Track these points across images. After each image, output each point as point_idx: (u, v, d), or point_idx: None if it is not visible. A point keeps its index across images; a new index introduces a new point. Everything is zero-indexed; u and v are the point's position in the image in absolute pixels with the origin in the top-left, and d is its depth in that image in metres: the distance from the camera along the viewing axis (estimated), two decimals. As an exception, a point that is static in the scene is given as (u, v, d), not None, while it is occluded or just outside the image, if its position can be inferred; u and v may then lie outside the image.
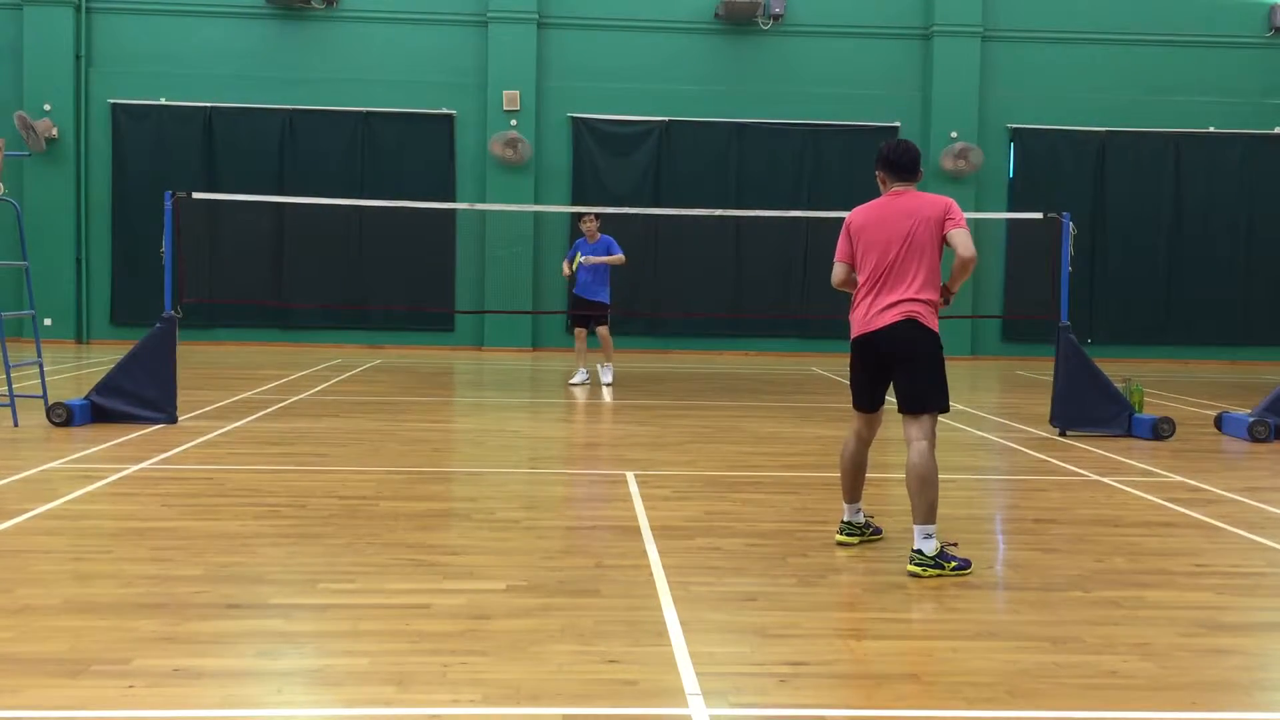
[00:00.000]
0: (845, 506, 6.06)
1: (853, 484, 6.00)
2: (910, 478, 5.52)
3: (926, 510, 5.46)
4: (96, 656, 4.10)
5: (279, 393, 12.65)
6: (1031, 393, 14.47)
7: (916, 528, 5.48)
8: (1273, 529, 6.68)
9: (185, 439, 9.11)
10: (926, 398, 5.59)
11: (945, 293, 5.76)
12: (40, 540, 5.86)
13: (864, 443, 5.97)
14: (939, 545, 5.47)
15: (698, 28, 20.35)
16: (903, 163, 5.77)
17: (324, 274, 19.93)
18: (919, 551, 5.43)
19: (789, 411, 11.97)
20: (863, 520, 6.08)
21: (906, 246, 5.59)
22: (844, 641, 4.48)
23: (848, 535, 6.00)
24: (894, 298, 5.60)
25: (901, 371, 5.67)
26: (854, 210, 5.99)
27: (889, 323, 5.60)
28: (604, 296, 13.81)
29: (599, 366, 14.18)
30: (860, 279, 5.78)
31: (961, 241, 5.53)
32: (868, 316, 5.68)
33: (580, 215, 14.06)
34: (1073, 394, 10.30)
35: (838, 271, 5.92)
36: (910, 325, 5.58)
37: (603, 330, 13.87)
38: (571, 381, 14.02)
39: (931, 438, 5.57)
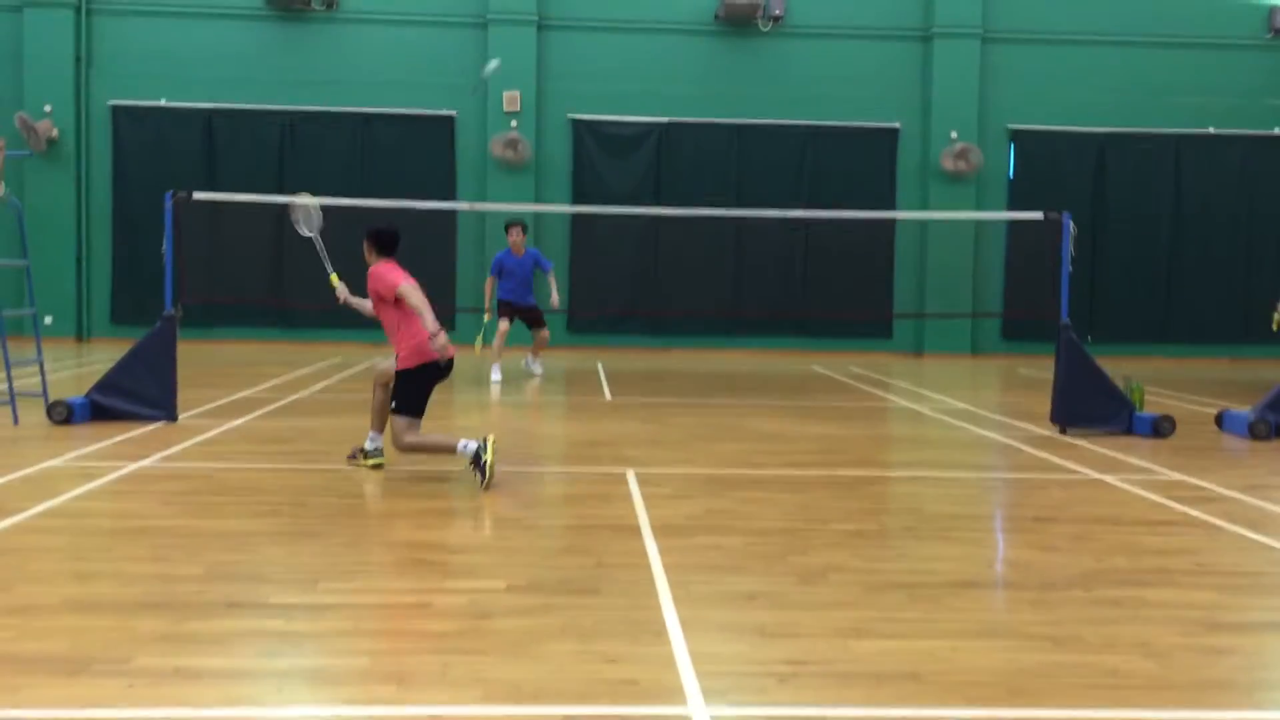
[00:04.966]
0: (376, 435, 7.94)
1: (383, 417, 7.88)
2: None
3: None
4: (97, 656, 4.10)
5: (279, 391, 12.65)
6: (1032, 391, 14.46)
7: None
8: (1273, 527, 6.68)
9: (185, 437, 9.12)
10: None
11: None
12: (40, 539, 5.86)
13: None
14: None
15: (698, 29, 20.35)
16: (394, 244, 8.51)
17: (324, 274, 19.85)
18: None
19: (789, 410, 11.97)
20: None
21: None
22: (844, 641, 4.48)
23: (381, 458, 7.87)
24: None
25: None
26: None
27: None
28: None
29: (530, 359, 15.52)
30: (425, 312, 7.62)
31: None
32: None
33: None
34: (1073, 392, 10.30)
35: None
36: None
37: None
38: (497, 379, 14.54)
39: None
